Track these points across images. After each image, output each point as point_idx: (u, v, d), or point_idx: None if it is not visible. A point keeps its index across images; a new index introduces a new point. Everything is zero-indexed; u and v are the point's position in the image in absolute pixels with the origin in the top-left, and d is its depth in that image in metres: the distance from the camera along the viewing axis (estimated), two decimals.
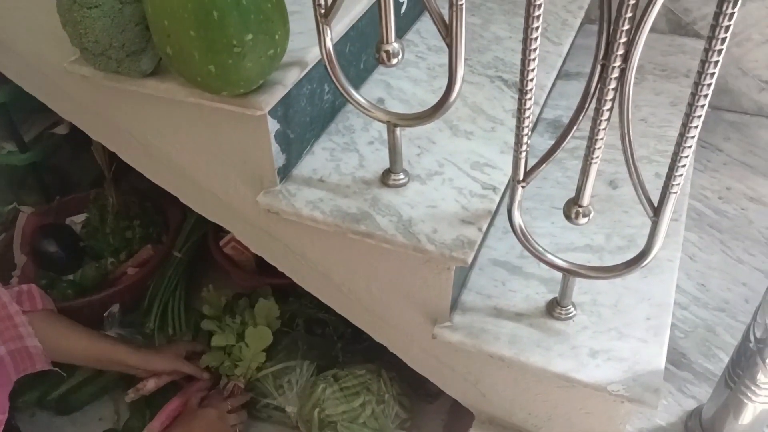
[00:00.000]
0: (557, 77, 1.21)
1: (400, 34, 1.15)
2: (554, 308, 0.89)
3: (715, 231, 1.28)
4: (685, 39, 1.49)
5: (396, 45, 0.75)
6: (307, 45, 0.82)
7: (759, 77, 1.48)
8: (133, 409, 1.22)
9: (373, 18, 0.96)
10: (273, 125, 0.80)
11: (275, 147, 0.82)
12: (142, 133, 0.90)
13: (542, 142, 1.16)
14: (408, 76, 1.07)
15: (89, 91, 0.88)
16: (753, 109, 1.54)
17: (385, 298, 0.92)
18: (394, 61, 0.75)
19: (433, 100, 0.96)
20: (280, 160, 0.84)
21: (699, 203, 1.34)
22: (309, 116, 0.89)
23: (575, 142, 1.12)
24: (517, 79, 1.06)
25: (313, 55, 0.81)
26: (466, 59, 0.74)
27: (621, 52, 0.62)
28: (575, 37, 1.25)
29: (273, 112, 0.79)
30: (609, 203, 1.05)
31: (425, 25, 1.19)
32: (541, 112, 1.22)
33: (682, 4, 1.48)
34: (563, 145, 0.73)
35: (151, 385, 1.17)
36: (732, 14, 0.53)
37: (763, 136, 1.48)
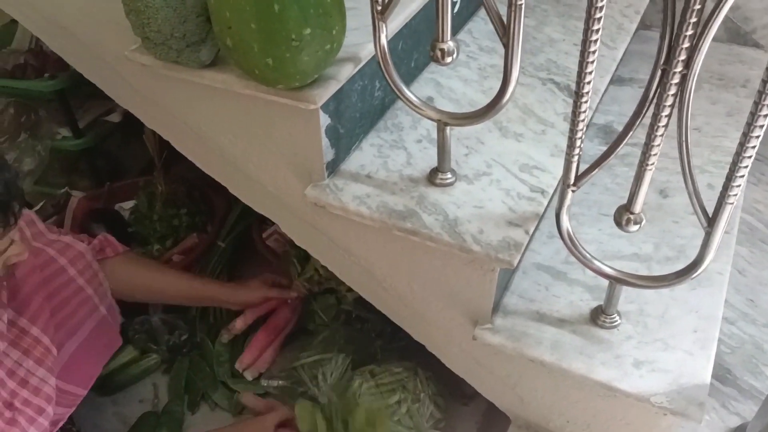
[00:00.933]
0: (610, 82, 1.20)
1: (452, 33, 1.15)
2: (599, 316, 0.88)
3: (767, 246, 1.24)
4: (744, 48, 1.45)
5: (451, 43, 0.75)
6: (361, 41, 0.82)
7: None
8: (172, 393, 1.25)
9: (426, 16, 0.96)
10: (324, 120, 0.81)
11: (325, 141, 0.83)
12: (197, 123, 0.92)
13: (592, 147, 1.15)
14: (458, 75, 1.07)
15: (147, 79, 0.91)
16: None
17: (427, 297, 0.92)
18: (449, 59, 0.75)
19: (483, 100, 0.96)
20: (329, 154, 0.85)
21: (751, 217, 1.30)
22: (359, 112, 0.90)
23: (626, 148, 1.10)
24: (570, 82, 1.06)
25: (367, 52, 0.82)
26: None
27: (683, 57, 0.61)
28: (629, 42, 1.23)
29: (325, 107, 0.79)
30: (659, 212, 1.03)
31: (477, 25, 1.19)
32: (592, 117, 1.20)
33: (743, 13, 1.44)
34: (617, 150, 0.72)
35: (240, 324, 1.25)
36: None
37: None
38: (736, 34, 1.47)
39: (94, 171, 1.60)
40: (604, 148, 1.08)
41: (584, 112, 0.69)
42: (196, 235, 1.44)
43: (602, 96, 1.15)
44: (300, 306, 1.30)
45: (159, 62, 0.81)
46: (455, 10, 1.12)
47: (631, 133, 0.70)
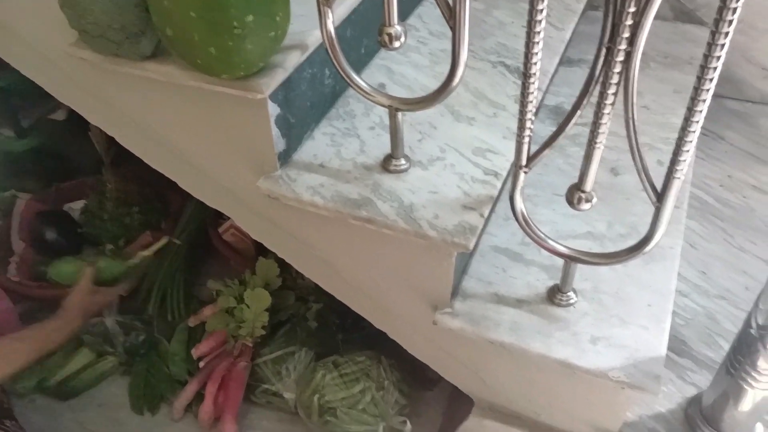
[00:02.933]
0: (559, 64, 1.20)
1: (402, 18, 1.13)
2: (555, 295, 0.89)
3: (717, 219, 1.27)
4: (689, 26, 1.47)
5: (399, 28, 0.74)
6: (308, 28, 0.81)
7: (763, 65, 1.47)
8: (132, 397, 1.23)
9: (374, 2, 0.95)
10: (273, 109, 0.79)
11: (276, 131, 0.81)
12: (142, 117, 0.89)
13: (544, 128, 1.16)
14: (409, 61, 1.06)
15: (89, 74, 0.87)
16: (756, 98, 1.53)
17: (386, 285, 0.91)
18: (397, 44, 0.75)
19: (435, 84, 0.95)
20: (280, 144, 0.84)
21: (701, 191, 1.33)
22: (310, 101, 0.89)
23: (577, 128, 1.11)
24: (520, 65, 1.06)
25: (315, 39, 0.81)
26: (468, 44, 0.74)
27: (627, 35, 0.62)
28: (578, 23, 1.24)
29: (273, 96, 0.78)
30: (611, 191, 1.05)
31: (427, 9, 1.18)
32: (543, 99, 1.21)
33: None
34: (566, 129, 0.73)
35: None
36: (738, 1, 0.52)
37: (765, 125, 1.48)
38: (681, 12, 1.50)
39: (41, 171, 1.55)
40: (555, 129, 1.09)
41: (533, 93, 0.69)
42: (150, 233, 1.41)
43: (552, 78, 1.16)
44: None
45: (98, 56, 0.78)
46: None
47: (579, 112, 0.71)
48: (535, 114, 1.17)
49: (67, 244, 1.41)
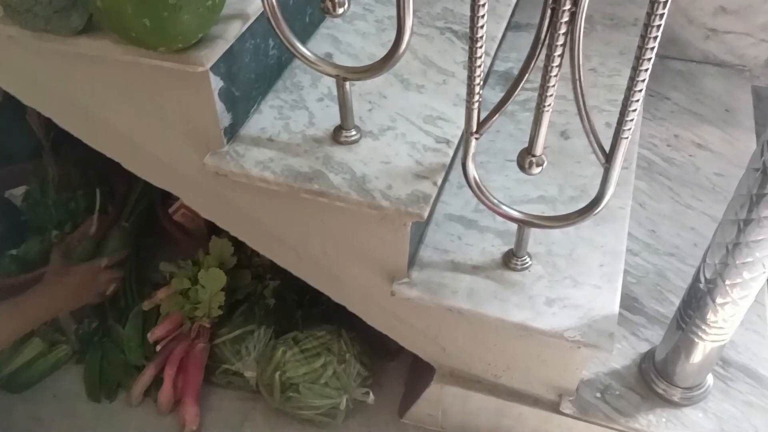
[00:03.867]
0: (507, 29, 1.20)
1: None
2: (510, 259, 0.90)
3: (664, 178, 1.30)
4: None
5: None
6: None
7: (704, 25, 1.50)
8: (88, 385, 1.20)
9: None
10: (216, 82, 0.77)
11: (220, 106, 0.79)
12: (77, 96, 0.85)
13: (494, 95, 1.15)
14: (356, 29, 1.04)
15: (18, 52, 0.83)
16: (699, 57, 1.56)
17: (342, 259, 0.90)
18: (340, 10, 0.73)
19: (383, 53, 0.94)
20: (225, 119, 0.81)
21: (648, 152, 1.36)
22: (254, 73, 0.86)
23: (526, 94, 1.12)
24: (468, 31, 1.05)
25: (255, 7, 0.78)
26: (415, 11, 0.72)
27: None
28: None
29: (215, 69, 0.75)
30: (561, 154, 1.06)
31: None
32: (492, 65, 1.20)
33: None
34: (515, 94, 0.72)
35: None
36: None
37: (708, 84, 1.51)
38: None
39: None
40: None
41: (480, 58, 0.68)
42: (93, 217, 1.36)
43: (501, 43, 1.15)
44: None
45: (26, 32, 0.74)
46: None
47: (526, 76, 0.70)
48: (485, 80, 1.17)
49: (9, 233, 1.36)
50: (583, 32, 0.64)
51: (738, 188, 0.74)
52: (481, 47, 0.67)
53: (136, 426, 1.15)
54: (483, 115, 0.74)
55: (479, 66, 0.69)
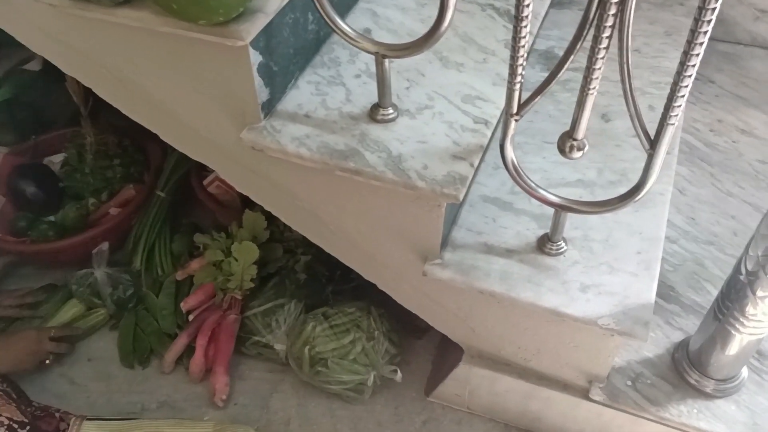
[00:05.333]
0: (549, 5, 1.17)
1: None
2: (545, 244, 0.89)
3: (706, 164, 1.27)
4: None
5: None
6: None
7: (754, 5, 1.44)
8: (121, 351, 1.22)
9: None
10: (255, 57, 0.76)
11: (258, 80, 0.78)
12: (117, 66, 0.85)
13: (534, 74, 1.13)
14: (395, 4, 1.02)
15: (59, 21, 0.83)
16: (747, 40, 1.50)
17: (375, 236, 0.90)
18: None
19: (422, 29, 0.92)
20: (263, 94, 0.81)
21: (690, 136, 1.32)
22: (293, 47, 0.85)
23: (568, 74, 1.08)
24: (509, 7, 1.03)
25: None
26: None
27: None
28: None
29: (255, 43, 0.75)
30: (601, 137, 1.03)
31: None
32: (533, 43, 1.18)
33: None
34: (559, 75, 0.70)
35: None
36: None
37: (755, 67, 1.46)
38: None
39: (17, 124, 1.50)
40: (546, 75, 1.07)
41: (525, 37, 0.67)
42: (132, 186, 1.38)
43: (542, 21, 1.13)
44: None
45: (67, 1, 0.74)
46: None
47: (572, 56, 0.68)
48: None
49: (47, 199, 1.38)
50: None
51: None
52: (526, 26, 0.66)
53: (167, 393, 1.18)
54: (524, 96, 0.73)
55: (523, 46, 0.67)
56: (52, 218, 1.36)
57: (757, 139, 1.31)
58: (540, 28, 1.16)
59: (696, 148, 1.30)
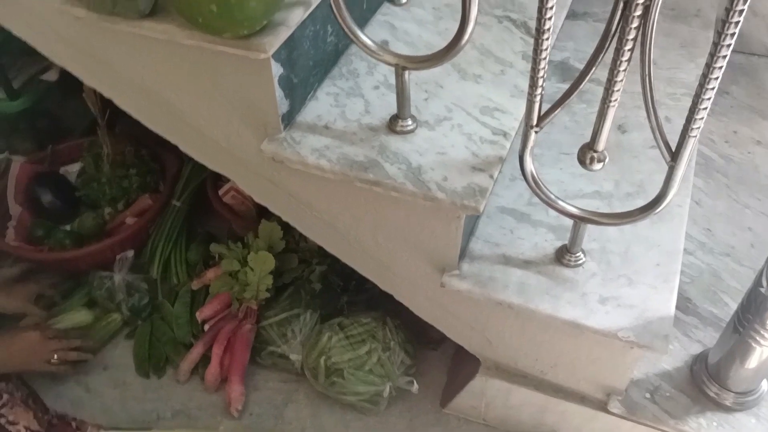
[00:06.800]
0: (565, 17, 1.17)
1: None
2: (563, 255, 0.89)
3: (721, 176, 1.26)
4: None
5: None
6: None
7: None
8: (137, 360, 1.23)
9: None
10: (277, 69, 0.77)
11: (279, 92, 0.79)
12: (140, 77, 0.86)
13: (550, 85, 1.12)
14: (413, 17, 1.03)
15: (83, 33, 0.84)
16: (761, 51, 1.50)
17: (392, 247, 0.90)
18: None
19: (439, 41, 0.93)
20: (284, 106, 0.81)
21: (706, 148, 1.32)
22: (312, 59, 0.86)
23: (584, 85, 1.10)
24: (526, 19, 1.04)
25: None
26: None
27: None
28: None
29: (276, 55, 0.75)
30: (618, 149, 1.03)
31: None
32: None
33: None
34: (580, 88, 0.71)
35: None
36: None
37: None
38: None
39: (35, 133, 1.51)
40: (562, 86, 1.08)
41: (545, 50, 0.67)
42: (148, 195, 1.39)
43: (558, 33, 1.13)
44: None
45: (94, 14, 0.75)
46: None
47: (593, 70, 0.69)
48: None
49: (64, 207, 1.39)
50: None
51: None
52: (547, 39, 0.66)
53: (182, 401, 1.18)
54: (543, 108, 0.73)
55: (544, 58, 0.68)
56: (68, 227, 1.37)
57: None
58: (555, 40, 1.17)
59: (712, 159, 1.30)
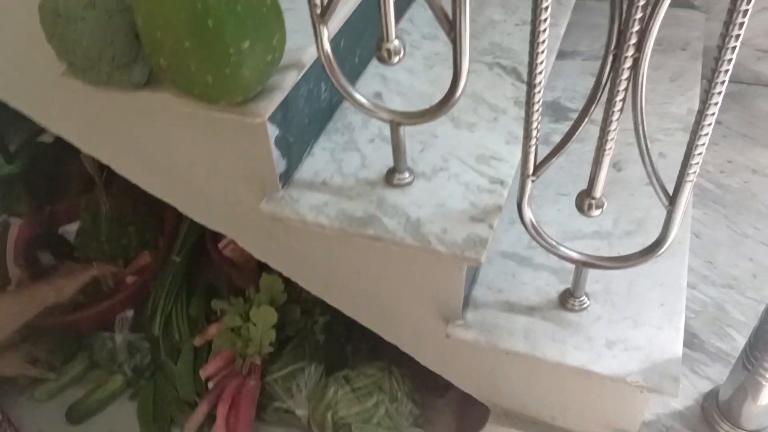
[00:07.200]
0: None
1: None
2: (567, 299, 0.88)
3: (719, 206, 1.27)
4: (680, 11, 1.46)
5: (397, 42, 0.72)
6: (303, 44, 0.79)
7: (756, 46, 1.46)
8: (142, 421, 1.21)
9: (365, 9, 0.93)
10: (273, 131, 0.77)
11: (276, 153, 0.79)
12: (138, 144, 0.87)
13: (543, 126, 1.13)
14: (404, 66, 1.04)
15: (80, 103, 0.85)
16: (750, 79, 1.52)
17: (395, 299, 0.90)
18: (396, 59, 0.73)
19: (431, 90, 0.94)
20: (281, 165, 0.82)
21: (701, 178, 1.32)
22: (308, 117, 0.87)
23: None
24: (516, 65, 1.05)
25: (310, 55, 0.79)
26: None
27: (634, 41, 0.60)
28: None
29: (272, 118, 0.76)
30: (615, 186, 1.04)
31: (417, 12, 1.16)
32: None
33: None
34: (575, 136, 0.71)
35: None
36: None
37: (761, 106, 1.47)
38: None
39: (32, 194, 1.52)
40: (555, 126, 1.08)
41: (538, 102, 0.68)
42: (148, 252, 1.39)
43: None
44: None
45: (89, 87, 0.76)
46: None
47: (587, 118, 0.69)
48: None
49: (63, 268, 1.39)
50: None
51: None
52: (539, 92, 0.67)
53: None
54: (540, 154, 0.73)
55: (537, 110, 0.68)
56: None
57: None
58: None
59: (708, 190, 1.30)
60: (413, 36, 1.11)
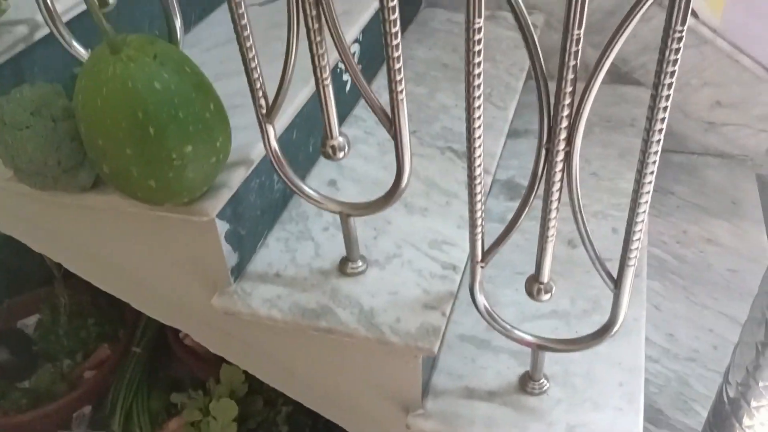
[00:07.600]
0: (507, 136, 1.22)
1: (347, 110, 1.15)
2: (527, 383, 0.88)
3: (677, 277, 1.28)
4: (626, 88, 1.52)
5: (341, 139, 0.74)
6: (252, 140, 0.80)
7: (701, 119, 1.52)
8: None
9: (318, 100, 0.95)
10: (222, 226, 0.78)
11: (226, 248, 0.80)
12: (88, 244, 0.86)
13: (498, 204, 1.16)
14: (359, 153, 1.06)
15: (27, 206, 0.85)
16: (699, 150, 1.57)
17: (354, 391, 0.89)
18: (341, 155, 0.75)
19: (386, 176, 0.95)
20: (232, 259, 0.82)
21: (658, 249, 1.35)
22: (260, 209, 0.87)
23: (532, 202, 1.13)
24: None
25: (259, 151, 0.80)
26: (414, 131, 0.74)
27: (563, 136, 0.62)
28: (519, 95, 1.26)
29: (221, 214, 0.77)
30: (569, 264, 1.05)
31: None
32: (494, 174, 1.22)
33: (620, 55, 1.52)
34: (517, 225, 0.73)
35: None
36: (675, 61, 0.53)
37: (711, 176, 1.52)
38: (617, 76, 1.54)
39: None
40: (510, 204, 1.10)
41: (480, 193, 0.69)
42: (107, 345, 1.35)
43: (501, 152, 1.17)
44: None
45: (37, 191, 0.76)
46: (347, 88, 1.12)
47: (526, 209, 0.71)
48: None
49: (21, 364, 1.35)
50: (582, 135, 0.64)
51: (752, 310, 0.73)
52: (480, 183, 0.68)
53: None
54: (488, 228, 0.74)
55: (479, 201, 0.70)
56: (26, 384, 1.32)
57: (723, 248, 1.34)
58: (499, 158, 1.21)
59: (665, 261, 1.32)
60: (368, 122, 1.14)
